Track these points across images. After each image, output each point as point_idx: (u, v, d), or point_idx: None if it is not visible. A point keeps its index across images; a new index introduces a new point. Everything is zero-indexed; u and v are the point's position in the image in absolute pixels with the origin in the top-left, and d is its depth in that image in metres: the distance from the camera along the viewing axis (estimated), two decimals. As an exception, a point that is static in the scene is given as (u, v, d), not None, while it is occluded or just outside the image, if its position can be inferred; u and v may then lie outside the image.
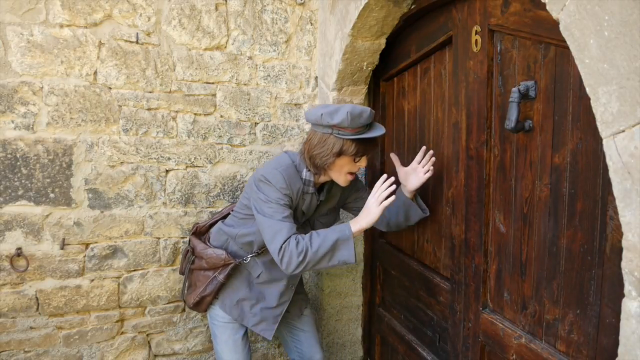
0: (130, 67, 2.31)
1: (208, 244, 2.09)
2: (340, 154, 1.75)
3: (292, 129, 2.63)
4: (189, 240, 2.19)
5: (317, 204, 1.97)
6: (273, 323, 2.07)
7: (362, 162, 1.82)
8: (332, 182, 1.98)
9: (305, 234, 1.85)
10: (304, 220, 1.99)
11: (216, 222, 2.21)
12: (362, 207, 1.93)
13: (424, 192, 2.05)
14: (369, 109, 1.75)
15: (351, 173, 1.85)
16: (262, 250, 1.99)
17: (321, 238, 1.74)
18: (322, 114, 1.73)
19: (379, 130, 1.76)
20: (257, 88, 2.54)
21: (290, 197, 1.84)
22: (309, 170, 1.87)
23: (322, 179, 1.91)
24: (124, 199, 2.35)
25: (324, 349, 2.62)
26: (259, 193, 1.83)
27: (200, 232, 2.23)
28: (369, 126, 1.78)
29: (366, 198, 2.01)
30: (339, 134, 1.72)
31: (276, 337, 2.75)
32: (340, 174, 1.84)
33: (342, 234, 1.75)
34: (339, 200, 2.10)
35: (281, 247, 1.73)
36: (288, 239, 1.74)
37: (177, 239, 2.46)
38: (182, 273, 2.24)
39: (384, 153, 2.45)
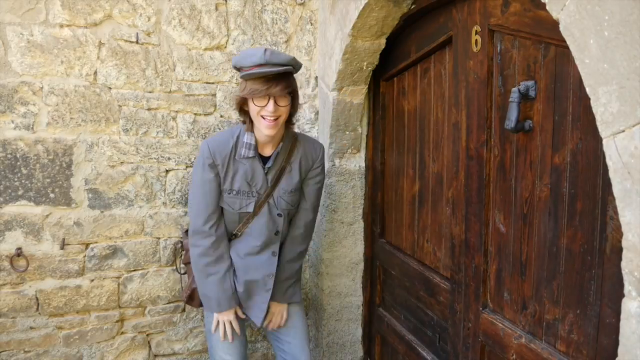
0: (130, 67, 2.31)
1: None
2: (243, 96, 1.76)
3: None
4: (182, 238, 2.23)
5: (265, 173, 1.88)
6: (262, 302, 1.98)
7: (269, 106, 1.73)
8: (290, 148, 1.93)
9: (271, 216, 1.90)
10: (263, 197, 1.90)
11: None
12: (305, 192, 1.99)
13: (425, 192, 2.06)
14: (265, 48, 1.71)
15: (266, 118, 1.75)
16: (237, 232, 1.96)
17: (210, 280, 1.90)
18: (234, 57, 1.80)
19: (272, 67, 1.68)
20: (257, 88, 2.54)
21: (217, 168, 1.83)
22: (251, 131, 1.84)
23: (260, 138, 1.84)
24: (124, 199, 2.35)
25: (325, 349, 2.62)
26: (192, 176, 1.92)
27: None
28: (269, 68, 1.70)
29: (317, 181, 2.01)
30: (241, 74, 1.74)
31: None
32: (256, 120, 1.78)
33: (212, 302, 1.92)
34: (302, 175, 1.98)
35: (193, 233, 1.89)
36: (201, 232, 1.87)
37: (177, 239, 2.46)
38: (178, 272, 2.23)
39: (384, 153, 2.46)
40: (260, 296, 1.98)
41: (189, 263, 2.09)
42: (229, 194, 1.88)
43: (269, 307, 2.03)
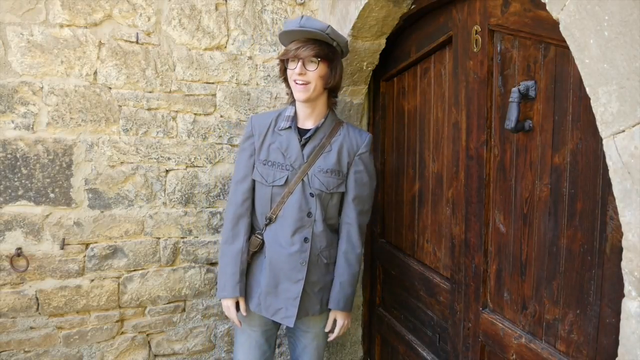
0: (130, 67, 2.31)
1: None
2: (278, 59, 1.84)
3: (292, 129, 2.62)
4: None
5: (302, 146, 1.85)
6: (293, 306, 1.85)
7: (298, 68, 1.77)
8: (334, 129, 1.90)
9: (304, 195, 1.83)
10: (298, 173, 1.84)
11: None
12: (347, 182, 1.89)
13: (425, 192, 2.06)
14: (304, 14, 1.82)
15: (297, 83, 1.79)
16: (269, 217, 1.88)
17: (222, 262, 1.90)
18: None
19: (300, 26, 1.75)
20: (257, 88, 2.54)
21: (253, 138, 1.88)
22: (292, 105, 1.90)
23: (300, 111, 1.88)
24: (124, 199, 2.35)
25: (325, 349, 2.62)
26: None
27: None
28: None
29: (356, 170, 1.89)
30: (279, 37, 1.84)
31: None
32: (293, 86, 1.81)
33: (219, 285, 1.90)
34: (342, 160, 1.88)
35: (225, 218, 1.92)
36: (230, 202, 1.90)
37: (177, 239, 2.46)
38: None
39: (384, 153, 2.46)
40: (289, 290, 1.85)
41: None
42: (264, 164, 1.86)
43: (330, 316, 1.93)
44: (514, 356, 1.49)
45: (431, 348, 2.01)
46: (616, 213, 1.11)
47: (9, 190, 2.19)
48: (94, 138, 2.29)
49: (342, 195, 1.92)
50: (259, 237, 1.91)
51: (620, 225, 0.93)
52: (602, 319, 1.19)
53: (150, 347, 2.50)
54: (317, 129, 1.86)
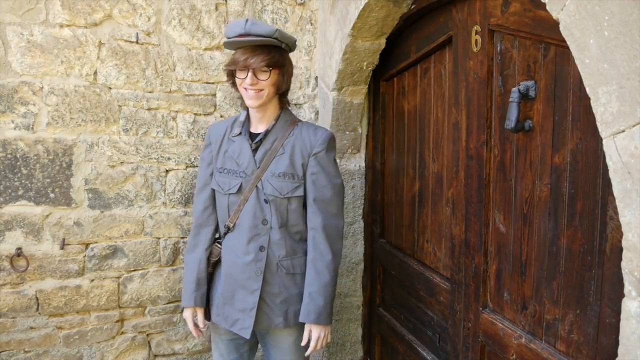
0: (130, 67, 2.31)
1: None
2: (226, 68, 1.77)
3: (292, 129, 2.62)
4: None
5: (253, 151, 1.78)
6: (249, 317, 1.76)
7: (248, 79, 1.68)
8: (286, 130, 1.81)
9: (259, 202, 1.75)
10: (252, 179, 1.77)
11: None
12: (306, 184, 1.78)
13: (425, 192, 2.06)
14: (248, 18, 1.68)
15: (248, 90, 1.71)
16: (228, 226, 1.83)
17: (184, 271, 1.89)
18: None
19: (251, 38, 1.65)
20: (257, 88, 2.54)
21: (210, 147, 1.87)
22: (245, 109, 1.85)
23: (250, 113, 1.83)
24: (124, 199, 2.35)
25: (325, 349, 2.62)
26: None
27: None
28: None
29: (312, 172, 1.77)
30: (223, 44, 1.76)
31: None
32: (241, 93, 1.76)
33: (183, 296, 1.89)
34: (295, 162, 1.78)
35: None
36: (196, 230, 1.89)
37: (177, 239, 2.46)
38: None
39: (384, 153, 2.46)
40: (245, 301, 1.77)
41: None
42: (220, 173, 1.82)
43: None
44: (514, 356, 1.49)
45: (431, 348, 2.01)
46: (616, 213, 1.11)
47: (9, 190, 2.19)
48: (94, 138, 2.29)
49: (304, 200, 1.82)
50: (219, 246, 1.87)
51: (620, 225, 0.93)
52: (602, 319, 1.19)
53: (150, 347, 2.50)
54: (267, 132, 1.80)
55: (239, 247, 1.79)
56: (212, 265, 1.89)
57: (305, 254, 1.84)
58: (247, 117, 1.85)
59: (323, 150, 1.79)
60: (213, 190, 1.86)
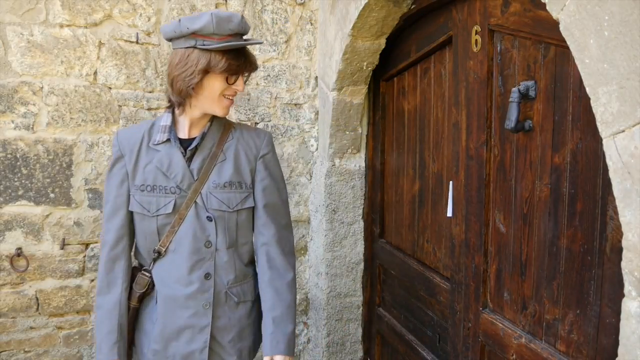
0: (130, 67, 2.31)
1: None
2: (207, 70, 1.39)
3: (292, 129, 2.63)
4: None
5: (188, 161, 1.49)
6: (197, 351, 1.49)
7: (239, 84, 1.47)
8: (223, 134, 1.55)
9: (199, 220, 1.47)
10: (188, 194, 1.48)
11: None
12: (258, 197, 1.55)
13: (425, 192, 2.06)
14: (240, 14, 1.43)
15: (227, 97, 1.47)
16: (157, 251, 1.51)
17: (97, 317, 1.49)
18: (180, 20, 1.39)
19: (253, 40, 1.47)
20: (257, 88, 2.54)
21: (123, 160, 1.49)
22: (170, 112, 1.52)
23: (190, 120, 1.50)
24: (124, 199, 2.36)
25: (325, 349, 2.62)
26: None
27: None
28: (241, 39, 1.45)
29: (261, 177, 1.56)
30: (203, 44, 1.38)
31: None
32: (214, 100, 1.45)
33: (100, 350, 1.47)
34: (242, 168, 1.54)
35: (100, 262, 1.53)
36: (102, 243, 1.50)
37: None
38: None
39: (384, 153, 2.46)
40: (193, 341, 1.49)
41: None
42: (142, 191, 1.48)
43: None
44: (514, 356, 1.49)
45: (431, 348, 2.01)
46: (616, 213, 1.11)
47: (9, 190, 2.19)
48: (94, 138, 2.29)
49: (252, 212, 1.58)
50: (147, 274, 1.53)
51: (620, 225, 0.93)
52: (602, 319, 1.19)
53: (150, 347, 2.50)
54: (203, 136, 1.51)
55: (178, 277, 1.49)
56: (138, 299, 1.54)
57: (255, 276, 1.62)
58: (173, 120, 1.52)
59: (270, 152, 1.59)
60: (129, 214, 1.51)
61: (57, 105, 2.22)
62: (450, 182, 1.83)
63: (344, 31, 2.19)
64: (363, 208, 2.59)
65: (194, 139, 1.51)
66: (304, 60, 2.60)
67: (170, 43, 1.49)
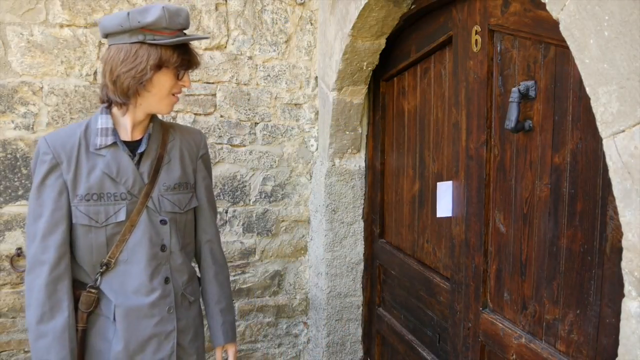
0: (130, 67, 2.31)
1: None
2: (160, 66, 1.33)
3: (292, 128, 2.63)
4: None
5: (136, 164, 1.43)
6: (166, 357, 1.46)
7: (186, 80, 1.43)
8: (163, 134, 1.51)
9: (152, 224, 1.42)
10: (139, 199, 1.42)
11: None
12: (197, 191, 1.56)
13: (425, 192, 2.06)
14: (186, 8, 1.42)
15: (175, 94, 1.44)
16: (106, 263, 1.42)
17: (40, 349, 1.33)
18: (128, 13, 1.32)
19: (200, 35, 1.46)
20: (257, 88, 2.54)
21: (60, 168, 1.35)
22: (106, 113, 1.41)
23: (133, 121, 1.42)
24: (124, 199, 2.36)
25: (325, 349, 2.62)
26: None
27: None
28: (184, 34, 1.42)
29: (203, 176, 1.58)
30: (154, 39, 1.32)
31: (278, 335, 2.75)
32: (163, 98, 1.40)
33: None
34: (187, 168, 1.53)
35: (29, 269, 1.36)
36: (37, 265, 1.34)
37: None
38: None
39: (384, 153, 2.46)
40: (159, 350, 1.45)
41: None
42: (88, 200, 1.37)
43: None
44: (514, 356, 1.49)
45: (431, 348, 2.01)
46: (616, 213, 1.11)
47: (9, 190, 2.19)
48: (94, 138, 2.29)
49: (194, 211, 1.58)
50: (93, 291, 1.41)
51: (620, 225, 0.93)
52: (602, 319, 1.19)
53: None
54: (150, 137, 1.46)
55: (138, 286, 1.42)
56: (84, 320, 1.42)
57: (196, 274, 1.63)
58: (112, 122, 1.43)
59: (207, 151, 1.62)
60: (69, 229, 1.39)
61: (57, 105, 2.22)
62: (438, 183, 1.84)
63: (344, 31, 2.19)
64: (363, 208, 2.60)
65: (137, 141, 1.45)
66: (304, 60, 2.60)
67: (106, 39, 1.41)
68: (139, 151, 1.44)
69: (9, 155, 2.18)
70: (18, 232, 2.21)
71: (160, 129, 1.51)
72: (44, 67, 2.19)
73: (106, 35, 1.40)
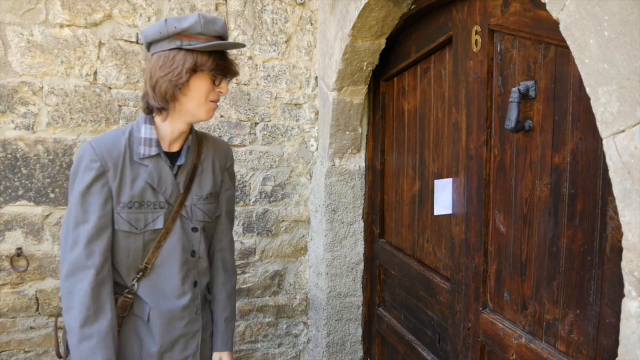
0: (130, 67, 2.31)
1: None
2: (195, 69, 1.37)
3: (292, 128, 2.63)
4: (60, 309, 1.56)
5: (176, 175, 1.48)
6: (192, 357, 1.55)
7: (224, 87, 1.45)
8: (198, 146, 1.56)
9: (184, 232, 1.49)
10: (174, 208, 1.49)
11: None
12: (222, 205, 1.62)
13: (425, 192, 2.06)
14: (223, 18, 1.45)
15: (213, 100, 1.45)
16: (143, 269, 1.48)
17: (85, 350, 1.36)
18: (166, 20, 1.36)
19: (237, 43, 1.46)
20: (257, 88, 2.54)
21: (106, 176, 1.39)
22: (149, 123, 1.45)
23: (173, 130, 1.46)
24: (124, 199, 2.35)
25: (325, 349, 2.62)
26: (69, 191, 1.42)
27: None
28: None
29: (227, 187, 1.64)
30: (190, 44, 1.36)
31: (277, 335, 2.75)
32: (200, 103, 1.42)
33: None
34: (216, 179, 1.60)
35: (69, 273, 1.37)
36: (81, 269, 1.36)
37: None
38: (60, 357, 1.60)
39: (384, 153, 2.46)
40: (186, 349, 1.54)
41: None
42: (130, 208, 1.42)
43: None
44: (514, 356, 1.49)
45: (431, 348, 2.01)
46: (616, 213, 1.11)
47: (9, 190, 2.19)
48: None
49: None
50: (130, 297, 1.48)
51: (620, 225, 0.93)
52: (602, 319, 1.19)
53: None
54: (188, 149, 1.52)
55: (171, 290, 1.50)
56: (120, 322, 1.49)
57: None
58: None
59: (233, 162, 1.69)
60: (113, 234, 1.43)
61: (57, 105, 2.22)
62: (435, 181, 1.85)
63: (344, 31, 2.19)
64: (363, 208, 2.60)
65: (176, 152, 1.50)
66: (304, 60, 2.60)
67: (149, 50, 1.45)
68: (177, 163, 1.49)
69: (9, 155, 2.18)
70: (18, 232, 2.21)
71: (195, 140, 1.56)
72: (44, 67, 2.19)
73: (149, 45, 1.44)
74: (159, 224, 1.46)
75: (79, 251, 1.37)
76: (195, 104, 1.42)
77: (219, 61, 1.40)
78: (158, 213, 1.46)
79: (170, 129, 1.46)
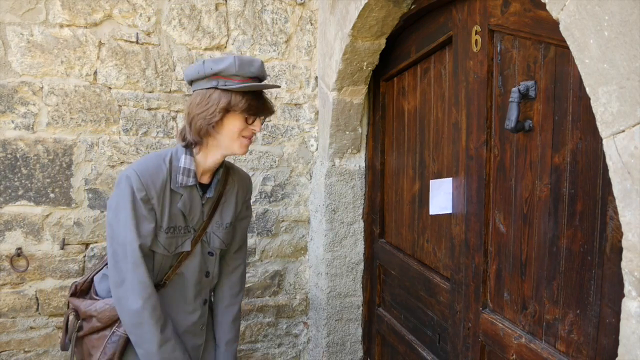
0: (130, 67, 2.31)
1: (96, 297, 1.65)
2: (228, 109, 1.46)
3: (292, 129, 2.63)
4: (68, 304, 1.69)
5: (203, 204, 1.60)
6: None
7: (257, 125, 1.54)
8: (225, 177, 1.67)
9: (203, 255, 1.62)
10: (198, 233, 1.61)
11: (99, 271, 1.73)
12: (237, 232, 1.74)
13: (425, 192, 2.06)
14: (260, 60, 1.52)
15: (246, 137, 1.54)
16: (161, 284, 1.59)
17: (156, 351, 1.47)
18: (204, 62, 1.47)
19: (271, 84, 1.55)
20: (257, 88, 2.54)
21: (152, 202, 1.48)
22: (189, 154, 1.54)
23: (207, 163, 1.57)
24: (124, 199, 2.35)
25: (325, 349, 2.62)
26: (109, 211, 1.50)
27: (83, 291, 1.71)
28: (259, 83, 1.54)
29: (246, 215, 1.77)
30: (225, 85, 1.45)
31: (277, 335, 2.75)
32: (233, 139, 1.51)
33: None
34: (237, 209, 1.72)
35: (134, 288, 1.45)
36: (143, 284, 1.45)
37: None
38: (64, 348, 1.69)
39: (384, 153, 2.46)
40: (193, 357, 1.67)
41: (90, 333, 1.59)
42: (167, 233, 1.53)
43: None
44: (514, 356, 1.49)
45: (431, 348, 2.01)
46: (616, 213, 1.11)
47: (9, 190, 2.19)
48: (94, 138, 2.29)
49: None
50: None
51: (620, 225, 0.93)
52: (602, 319, 1.19)
53: (150, 347, 2.50)
54: (217, 182, 1.64)
55: (182, 305, 1.62)
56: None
57: None
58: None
59: (251, 195, 1.81)
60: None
61: (57, 105, 2.22)
62: (431, 181, 1.85)
63: (344, 31, 2.19)
64: (363, 208, 2.60)
65: (206, 183, 1.61)
66: (304, 60, 2.60)
67: (191, 86, 1.55)
68: (207, 196, 1.61)
69: (9, 155, 2.18)
70: (18, 232, 2.21)
71: (224, 173, 1.67)
72: (44, 67, 2.19)
73: (191, 82, 1.54)
74: (187, 247, 1.58)
75: (130, 276, 1.46)
76: (228, 140, 1.52)
77: (251, 101, 1.48)
78: (186, 237, 1.58)
79: (204, 160, 1.57)
